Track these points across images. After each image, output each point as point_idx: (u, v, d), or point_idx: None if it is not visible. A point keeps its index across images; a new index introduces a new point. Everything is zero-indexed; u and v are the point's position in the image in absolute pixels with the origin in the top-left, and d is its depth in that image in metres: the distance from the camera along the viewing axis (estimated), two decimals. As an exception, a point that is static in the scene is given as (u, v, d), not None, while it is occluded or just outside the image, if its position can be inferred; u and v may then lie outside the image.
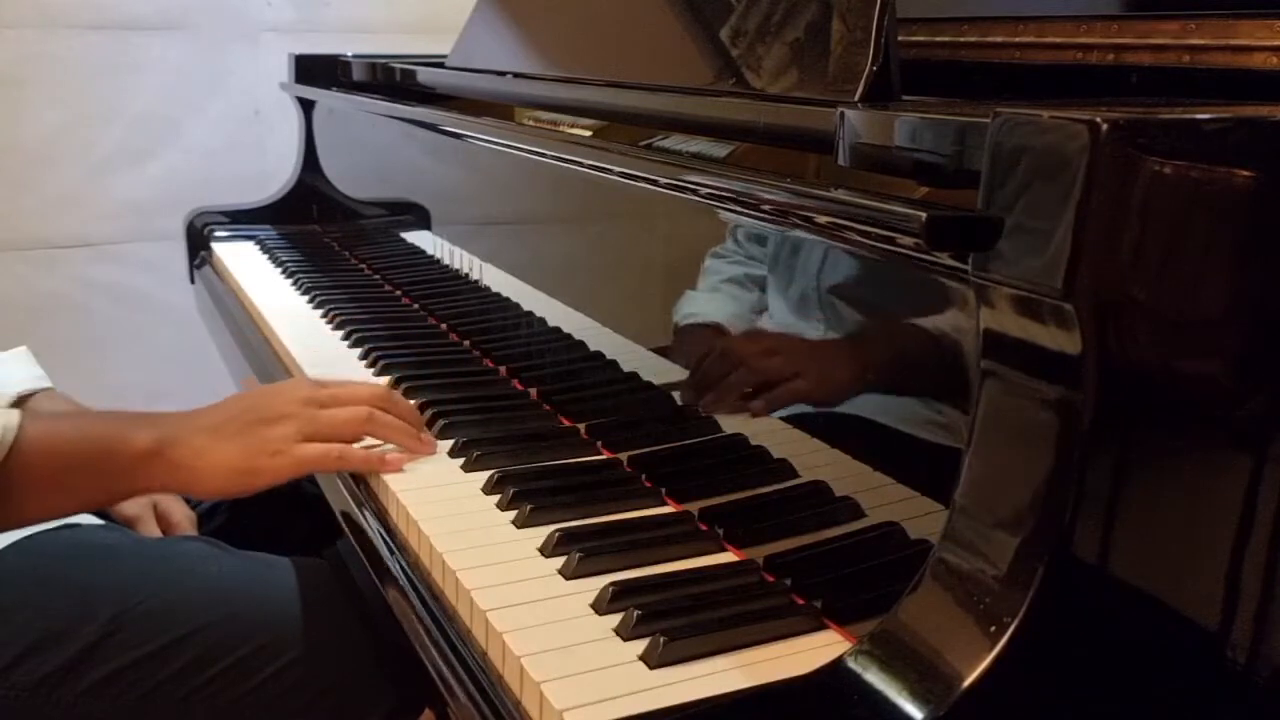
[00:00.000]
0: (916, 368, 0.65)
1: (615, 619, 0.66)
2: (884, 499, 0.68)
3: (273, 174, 1.96)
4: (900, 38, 0.76)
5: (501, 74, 1.28)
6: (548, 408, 1.03)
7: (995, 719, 0.51)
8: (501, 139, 1.13)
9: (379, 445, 0.92)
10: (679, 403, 0.87)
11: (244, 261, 1.68)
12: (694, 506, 0.81)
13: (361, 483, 0.92)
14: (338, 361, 1.19)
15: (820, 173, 0.82)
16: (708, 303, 0.83)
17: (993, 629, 0.51)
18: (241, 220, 1.86)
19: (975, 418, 0.55)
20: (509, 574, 0.73)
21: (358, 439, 0.91)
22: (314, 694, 0.93)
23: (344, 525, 0.91)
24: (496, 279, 1.20)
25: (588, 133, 1.15)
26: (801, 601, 0.68)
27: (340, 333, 1.29)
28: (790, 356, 0.76)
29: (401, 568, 0.79)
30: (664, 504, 0.83)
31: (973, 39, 1.02)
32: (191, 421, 0.87)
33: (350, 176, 1.78)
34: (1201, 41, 0.81)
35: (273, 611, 0.96)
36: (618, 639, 0.65)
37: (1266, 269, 0.52)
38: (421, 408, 1.01)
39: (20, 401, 1.22)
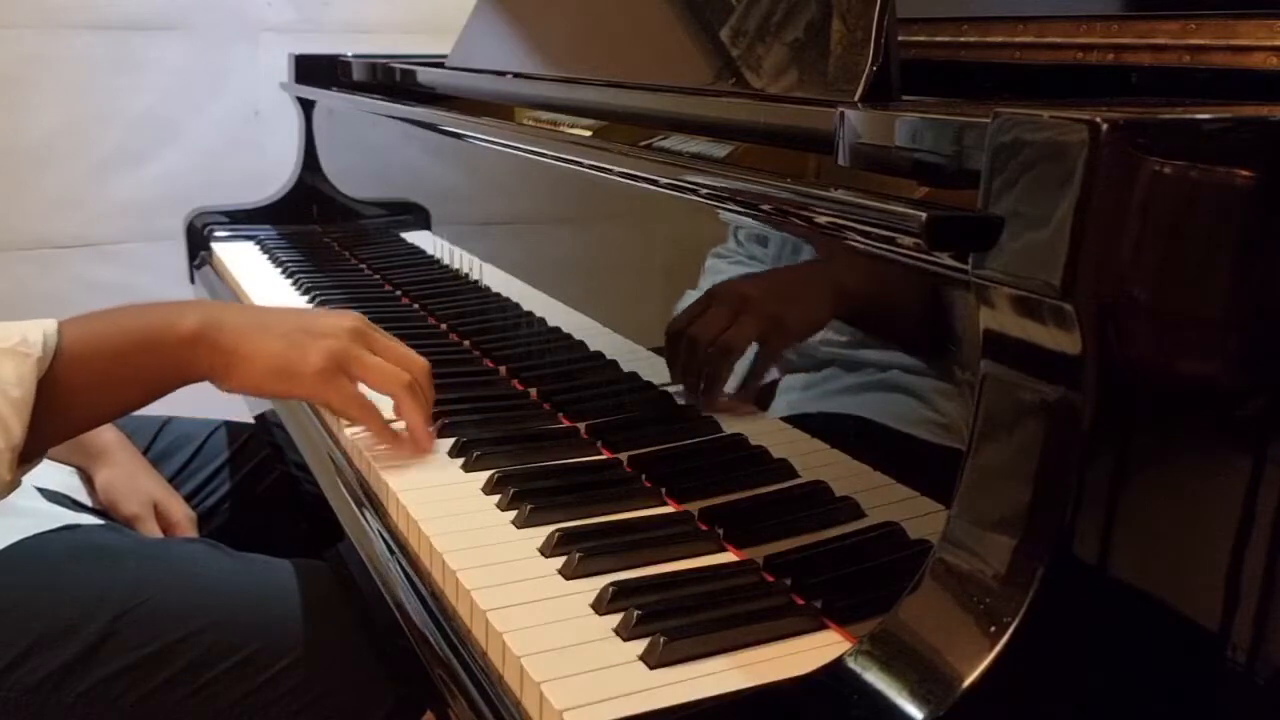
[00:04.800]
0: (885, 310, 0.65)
1: (615, 619, 0.66)
2: (884, 499, 0.68)
3: (273, 174, 1.96)
4: (900, 38, 0.76)
5: (501, 74, 1.28)
6: (548, 407, 1.03)
7: (995, 719, 0.51)
8: (501, 139, 1.13)
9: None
10: (679, 403, 0.87)
11: (244, 261, 1.68)
12: (694, 506, 0.81)
13: (362, 483, 0.92)
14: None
15: (820, 173, 0.82)
16: (708, 303, 0.83)
17: (993, 629, 0.51)
18: (241, 220, 1.86)
19: (975, 418, 0.55)
20: (509, 574, 0.73)
21: (384, 394, 0.90)
22: (314, 695, 0.93)
23: (344, 525, 0.91)
24: (496, 279, 1.20)
25: (588, 133, 1.15)
26: (801, 601, 0.68)
27: (340, 333, 1.29)
28: (753, 302, 0.77)
29: (401, 568, 0.79)
30: (664, 504, 0.83)
31: (973, 39, 1.02)
32: (238, 311, 0.87)
33: (350, 176, 1.78)
34: (1201, 41, 0.81)
35: (273, 613, 0.96)
36: (618, 639, 0.65)
37: (1266, 269, 0.52)
38: (421, 408, 1.01)
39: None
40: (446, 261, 1.35)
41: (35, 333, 0.79)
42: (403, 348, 0.93)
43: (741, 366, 0.80)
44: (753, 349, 0.79)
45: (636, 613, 0.65)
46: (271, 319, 0.88)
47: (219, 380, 0.86)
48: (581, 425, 0.97)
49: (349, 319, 0.91)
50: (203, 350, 0.84)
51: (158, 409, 1.43)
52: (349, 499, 0.91)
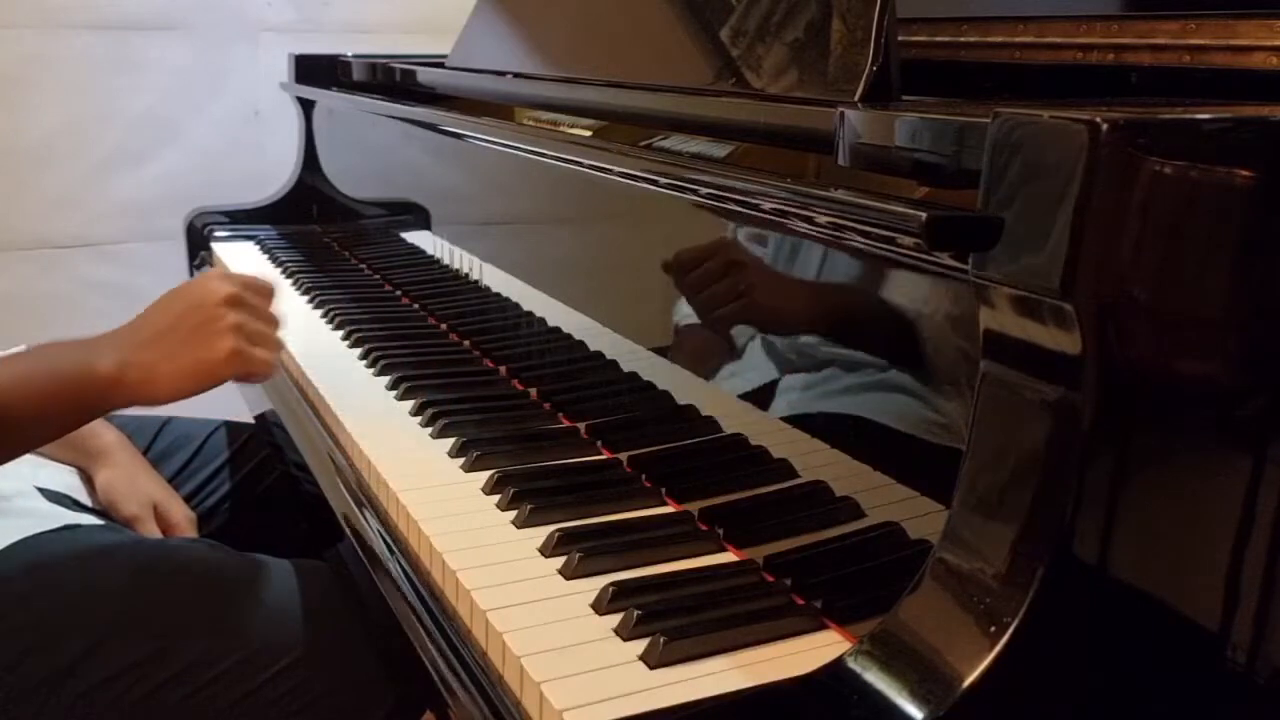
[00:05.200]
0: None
1: (615, 619, 0.66)
2: (884, 499, 0.68)
3: (273, 174, 1.96)
4: (900, 38, 0.76)
5: (501, 74, 1.28)
6: (548, 407, 1.03)
7: (995, 719, 0.51)
8: (501, 139, 1.13)
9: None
10: (679, 402, 0.87)
11: (244, 261, 1.68)
12: (694, 506, 0.81)
13: (361, 483, 0.92)
14: (337, 361, 1.19)
15: (820, 173, 0.82)
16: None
17: (993, 629, 0.51)
18: (241, 220, 1.86)
19: (975, 418, 0.55)
20: (509, 574, 0.73)
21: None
22: (314, 696, 0.93)
23: (344, 525, 0.91)
24: (496, 279, 1.20)
25: (588, 133, 1.15)
26: (801, 601, 0.68)
27: (340, 333, 1.29)
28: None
29: (401, 568, 0.79)
30: (664, 504, 0.83)
31: (973, 39, 1.02)
32: (138, 336, 0.92)
33: (350, 176, 1.78)
34: (1201, 41, 0.81)
35: (272, 613, 0.96)
36: (618, 639, 0.65)
37: (1266, 269, 0.52)
38: (421, 407, 1.01)
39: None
40: (446, 261, 1.35)
41: None
42: (267, 305, 0.99)
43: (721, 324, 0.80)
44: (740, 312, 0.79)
45: (636, 613, 0.65)
46: (164, 326, 0.92)
47: (148, 405, 0.92)
48: (581, 425, 0.97)
49: (222, 289, 0.94)
50: (124, 388, 0.89)
51: (158, 409, 1.43)
52: (349, 499, 0.91)
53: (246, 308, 0.94)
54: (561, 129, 1.20)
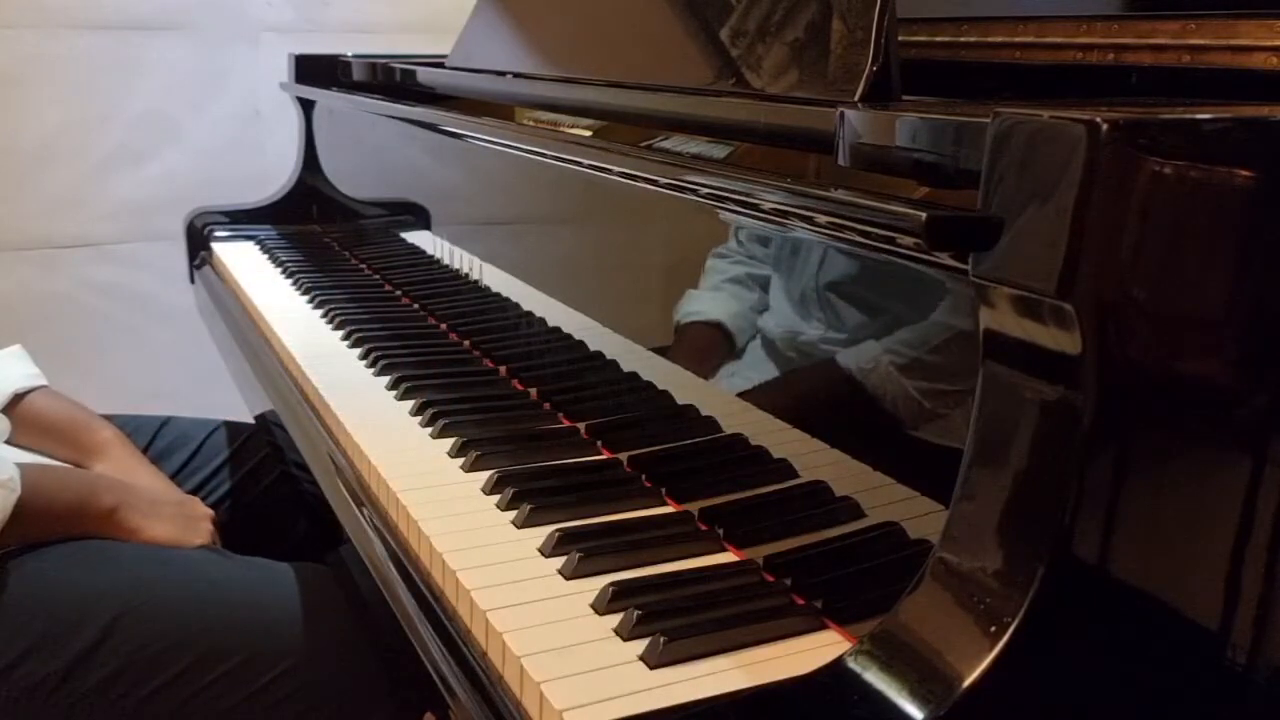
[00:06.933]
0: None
1: (615, 619, 0.66)
2: (884, 499, 0.68)
3: (273, 174, 1.96)
4: (900, 38, 0.76)
5: (501, 74, 1.28)
6: (548, 407, 1.03)
7: (995, 719, 0.51)
8: (501, 139, 1.13)
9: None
10: (679, 402, 0.87)
11: (244, 261, 1.68)
12: (694, 506, 0.81)
13: (361, 482, 0.92)
14: (337, 361, 1.19)
15: (820, 173, 0.82)
16: (709, 301, 0.83)
17: (993, 629, 0.51)
18: (241, 220, 1.86)
19: (975, 418, 0.55)
20: (509, 574, 0.73)
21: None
22: (314, 699, 0.93)
23: (344, 525, 0.91)
24: (496, 279, 1.20)
25: (588, 133, 1.15)
26: (801, 601, 0.68)
27: (340, 333, 1.29)
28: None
29: (401, 568, 0.79)
30: (664, 504, 0.83)
31: (973, 39, 1.02)
32: (140, 494, 1.14)
33: (350, 176, 1.78)
34: (1201, 41, 0.81)
35: (273, 617, 0.96)
36: (618, 639, 0.65)
37: (1266, 269, 0.52)
38: (421, 407, 1.01)
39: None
40: (446, 261, 1.35)
41: (10, 470, 1.00)
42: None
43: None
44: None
45: (636, 613, 0.65)
46: (161, 500, 1.16)
47: (123, 539, 1.10)
48: (581, 425, 0.97)
49: (203, 508, 1.19)
50: (113, 522, 1.09)
51: (158, 409, 1.43)
52: (349, 499, 0.91)
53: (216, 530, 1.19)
54: (561, 129, 1.20)
